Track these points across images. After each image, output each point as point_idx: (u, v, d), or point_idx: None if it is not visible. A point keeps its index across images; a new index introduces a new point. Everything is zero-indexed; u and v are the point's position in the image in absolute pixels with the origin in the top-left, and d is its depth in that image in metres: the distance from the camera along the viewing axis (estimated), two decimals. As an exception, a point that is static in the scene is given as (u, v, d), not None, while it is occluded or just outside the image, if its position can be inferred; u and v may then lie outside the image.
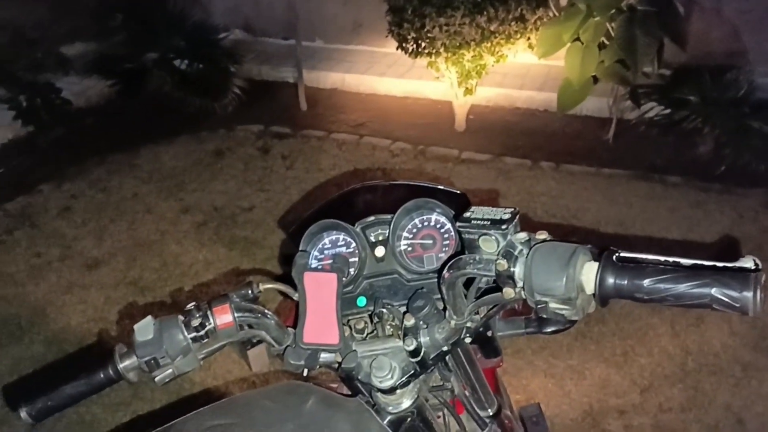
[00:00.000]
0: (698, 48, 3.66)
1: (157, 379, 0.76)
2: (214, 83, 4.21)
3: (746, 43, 3.94)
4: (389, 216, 0.91)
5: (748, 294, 0.57)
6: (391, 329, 0.83)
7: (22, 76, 3.86)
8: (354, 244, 0.92)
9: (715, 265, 0.60)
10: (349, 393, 0.87)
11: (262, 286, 0.82)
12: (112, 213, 3.24)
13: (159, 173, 3.58)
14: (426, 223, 0.91)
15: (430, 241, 0.90)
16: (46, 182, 3.51)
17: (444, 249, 0.90)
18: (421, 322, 0.79)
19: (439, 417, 0.93)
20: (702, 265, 0.61)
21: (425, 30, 3.37)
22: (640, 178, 3.31)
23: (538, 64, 4.12)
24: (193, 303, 0.78)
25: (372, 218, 0.92)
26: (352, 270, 0.90)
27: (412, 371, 0.80)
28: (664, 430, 1.95)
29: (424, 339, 0.79)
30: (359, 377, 0.81)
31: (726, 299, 0.57)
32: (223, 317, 0.77)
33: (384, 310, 0.85)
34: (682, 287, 0.60)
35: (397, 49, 3.62)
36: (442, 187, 0.94)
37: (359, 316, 0.87)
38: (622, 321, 2.36)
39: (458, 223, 0.73)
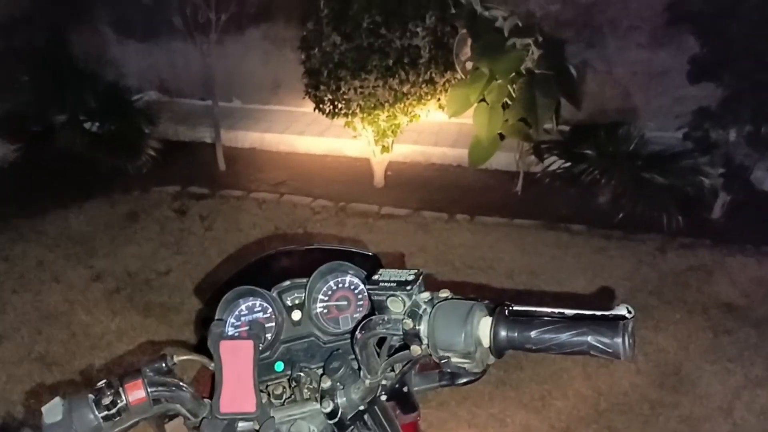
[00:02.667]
0: (593, 106, 4.00)
1: None
2: (128, 144, 4.14)
3: (636, 100, 4.34)
4: (305, 280, 0.94)
5: (618, 340, 0.64)
6: (309, 392, 0.85)
7: None
8: (270, 309, 0.93)
9: (593, 314, 0.67)
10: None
11: (176, 358, 0.82)
12: (15, 284, 3.06)
13: (67, 239, 3.43)
14: (340, 285, 0.94)
15: (345, 302, 0.93)
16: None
17: (358, 309, 0.93)
18: (338, 383, 0.81)
19: None
20: (582, 314, 0.68)
21: (341, 92, 3.49)
22: (547, 228, 3.51)
23: (450, 123, 4.33)
24: (104, 380, 0.77)
25: (288, 282, 0.95)
26: (269, 335, 0.92)
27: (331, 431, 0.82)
28: (583, 472, 2.02)
29: (341, 400, 0.81)
30: None
31: (600, 346, 0.64)
32: (136, 393, 0.76)
33: (301, 374, 0.87)
34: (564, 337, 0.66)
35: (314, 110, 3.71)
36: (354, 250, 0.98)
37: (277, 381, 0.89)
38: (538, 366, 2.45)
39: (367, 286, 0.77)
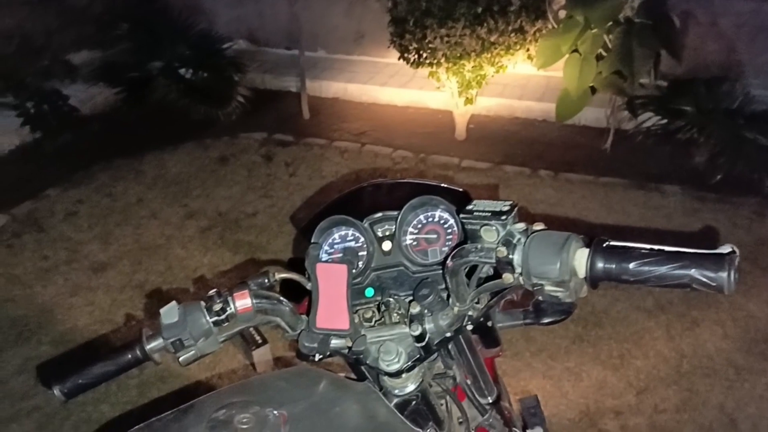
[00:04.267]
0: (694, 60, 3.75)
1: (181, 359, 0.81)
2: (218, 92, 4.28)
3: (741, 55, 4.03)
4: (395, 212, 0.96)
5: (723, 274, 0.63)
6: (398, 317, 0.89)
7: (29, 83, 3.93)
8: (362, 239, 0.97)
9: (694, 251, 0.66)
10: (358, 379, 0.92)
11: (277, 276, 0.88)
12: (117, 218, 3.29)
13: (163, 179, 3.63)
14: (430, 219, 0.96)
15: (434, 236, 0.95)
16: (53, 187, 3.56)
17: (447, 243, 0.95)
18: (426, 310, 0.84)
19: (442, 404, 0.98)
20: (682, 251, 0.67)
21: (426, 41, 3.44)
22: (637, 187, 3.37)
23: (537, 75, 4.20)
24: (215, 289, 0.84)
25: (379, 214, 0.98)
26: (360, 263, 0.96)
27: (417, 356, 0.86)
28: (659, 430, 1.99)
29: (428, 325, 0.84)
30: (368, 362, 0.87)
31: (703, 279, 0.63)
32: (242, 302, 0.82)
33: (391, 300, 0.91)
34: (664, 269, 0.65)
35: (398, 59, 3.69)
36: (445, 185, 1.00)
37: (367, 305, 0.93)
38: (619, 325, 2.41)
39: (461, 215, 0.79)
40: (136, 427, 0.76)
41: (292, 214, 3.23)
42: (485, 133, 4.05)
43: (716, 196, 3.23)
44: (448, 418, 0.97)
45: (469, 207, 0.79)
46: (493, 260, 0.75)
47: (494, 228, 0.75)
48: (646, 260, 0.67)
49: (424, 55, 3.53)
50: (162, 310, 0.81)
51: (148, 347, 0.82)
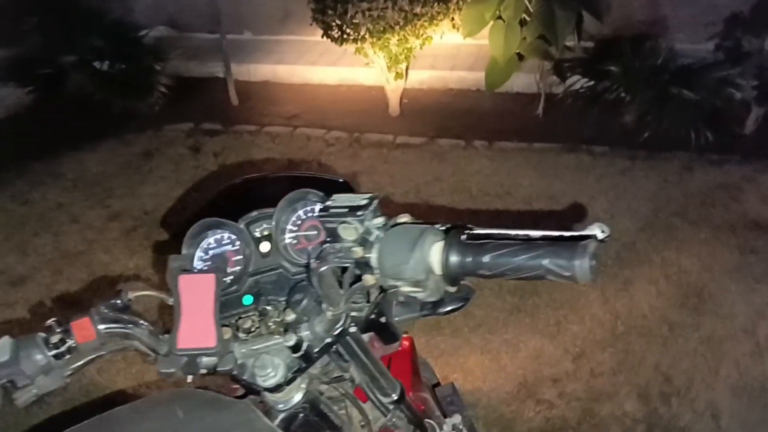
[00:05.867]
0: (619, 19, 3.75)
1: (18, 401, 0.72)
2: (139, 82, 4.07)
3: (665, 10, 4.06)
4: (272, 210, 0.88)
5: (576, 262, 0.58)
6: (274, 326, 0.81)
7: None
8: (239, 241, 0.89)
9: (560, 235, 0.61)
10: (243, 396, 0.85)
11: (131, 294, 0.79)
12: (35, 226, 3.10)
13: (84, 180, 3.44)
14: (309, 215, 0.89)
15: (315, 232, 0.88)
16: (-36, 198, 3.34)
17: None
18: (302, 316, 0.77)
19: (341, 409, 0.92)
20: (548, 236, 0.61)
21: (349, 16, 3.33)
22: (569, 151, 3.38)
23: (467, 44, 4.14)
24: (54, 318, 0.75)
25: (255, 213, 0.90)
26: (237, 268, 0.88)
27: (297, 367, 0.79)
28: (596, 394, 2.00)
29: (305, 333, 0.77)
30: (245, 378, 0.79)
31: (557, 269, 0.59)
32: (83, 331, 0.73)
33: (269, 307, 0.83)
34: (519, 260, 0.60)
35: (322, 36, 3.57)
36: (324, 177, 0.92)
37: (246, 315, 0.85)
38: (555, 292, 2.40)
39: (319, 213, 0.71)
40: None
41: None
42: (419, 107, 3.99)
43: (646, 154, 3.27)
44: (348, 423, 0.91)
45: (328, 203, 0.72)
46: (353, 261, 0.69)
47: (352, 225, 0.68)
48: (501, 251, 0.62)
49: (348, 31, 3.42)
50: None
51: None
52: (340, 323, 0.78)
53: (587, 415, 1.93)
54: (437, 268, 0.64)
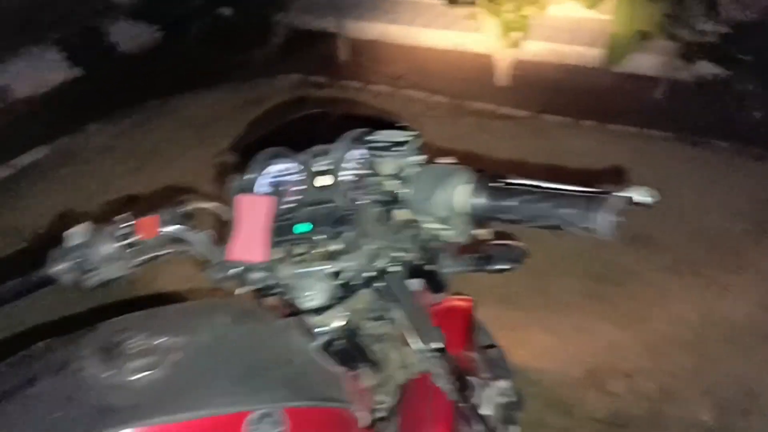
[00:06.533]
0: (759, 3, 3.39)
1: (86, 282, 0.79)
2: (256, 31, 4.24)
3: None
4: (333, 145, 0.90)
5: (597, 215, 0.55)
6: (321, 254, 0.83)
7: (73, 21, 4.00)
8: (300, 173, 0.91)
9: (591, 190, 0.58)
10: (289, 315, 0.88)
11: (194, 204, 0.84)
12: (150, 154, 3.35)
13: (197, 119, 3.66)
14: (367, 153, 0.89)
15: (371, 171, 0.88)
16: (92, 122, 3.65)
17: None
18: (346, 247, 0.79)
19: (382, 348, 0.94)
20: (565, 191, 0.59)
21: (465, -23, 3.26)
22: (685, 142, 3.14)
23: (590, 19, 3.93)
24: (126, 214, 0.81)
25: (320, 147, 0.92)
26: (294, 197, 0.90)
27: (337, 295, 0.81)
28: (669, 395, 1.88)
29: (346, 264, 0.79)
30: (288, 298, 0.82)
31: (576, 221, 0.57)
32: (149, 229, 0.79)
33: (317, 237, 0.85)
34: (540, 206, 0.59)
35: (437, -2, 3.53)
36: (390, 119, 0.92)
37: (297, 241, 0.88)
38: (639, 283, 2.28)
39: (361, 146, 0.72)
40: (41, 343, 0.75)
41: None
42: (528, 80, 3.85)
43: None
44: (387, 362, 0.92)
45: (369, 137, 0.72)
46: (386, 194, 0.69)
47: (390, 160, 0.68)
48: (526, 197, 0.61)
49: (463, -7, 3.35)
50: (67, 232, 0.79)
51: (52, 270, 0.80)
52: (381, 260, 0.78)
53: (655, 415, 1.83)
54: (460, 207, 0.64)
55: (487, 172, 0.65)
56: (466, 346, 1.16)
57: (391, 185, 0.68)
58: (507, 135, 3.35)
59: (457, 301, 1.22)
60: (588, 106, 3.57)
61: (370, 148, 0.71)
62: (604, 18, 3.54)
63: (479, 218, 0.64)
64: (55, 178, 3.23)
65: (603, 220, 0.56)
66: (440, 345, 0.96)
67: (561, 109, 3.56)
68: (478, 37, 3.97)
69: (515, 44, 3.61)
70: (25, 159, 3.37)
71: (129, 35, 4.33)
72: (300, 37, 4.35)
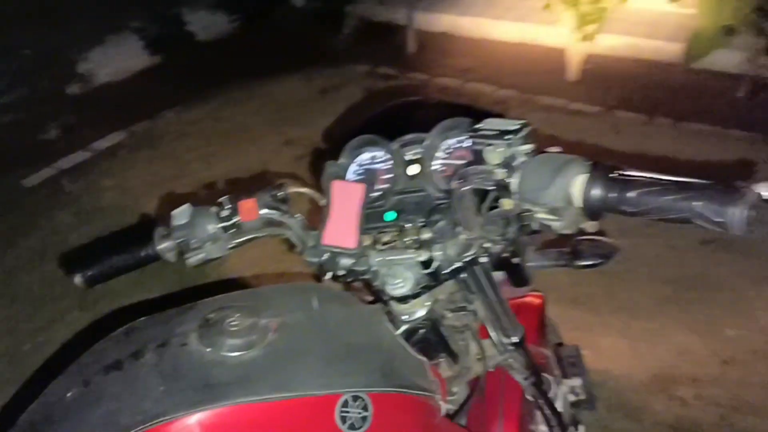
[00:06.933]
0: None
1: (188, 260, 0.83)
2: (329, 22, 4.30)
3: None
4: (426, 134, 0.91)
5: (731, 209, 0.53)
6: (411, 242, 0.85)
7: (153, 10, 4.16)
8: (390, 161, 0.93)
9: (706, 183, 0.56)
10: (373, 302, 0.90)
11: (291, 189, 0.87)
12: (222, 140, 3.46)
13: (268, 107, 3.75)
14: (460, 143, 0.90)
15: (464, 161, 0.89)
16: (169, 109, 3.80)
17: None
18: (436, 236, 0.80)
19: (461, 339, 0.94)
20: (691, 182, 0.57)
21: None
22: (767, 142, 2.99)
23: (670, 13, 3.78)
24: (226, 196, 0.84)
25: (410, 136, 0.93)
26: (385, 185, 0.92)
27: (425, 283, 0.82)
28: (740, 404, 1.81)
29: (437, 253, 0.80)
30: (376, 284, 0.84)
31: (708, 213, 0.54)
32: (249, 211, 0.82)
33: (407, 225, 0.87)
34: (667, 199, 0.57)
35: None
36: (483, 108, 0.92)
37: (387, 229, 0.89)
38: (714, 290, 2.19)
39: (468, 134, 0.72)
40: (142, 318, 0.79)
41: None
42: (602, 75, 3.75)
43: None
44: (465, 353, 0.93)
45: (477, 125, 0.73)
46: (491, 184, 0.69)
47: (498, 148, 0.68)
48: (648, 189, 0.58)
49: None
50: (174, 212, 0.83)
51: (158, 246, 0.85)
52: (472, 250, 0.79)
53: (724, 424, 1.76)
54: (578, 199, 0.63)
55: (603, 163, 0.64)
56: (539, 342, 1.15)
57: (499, 173, 0.68)
58: (578, 131, 3.27)
59: (530, 297, 1.21)
60: (664, 104, 3.45)
61: (478, 137, 0.71)
62: (686, 12, 3.40)
63: (595, 210, 0.63)
64: (130, 161, 3.38)
65: (739, 216, 0.54)
66: (520, 338, 0.96)
67: (636, 105, 3.46)
68: (551, 30, 3.89)
69: (590, 37, 3.52)
70: (103, 143, 3.54)
71: (207, 24, 4.47)
72: (370, 28, 4.38)
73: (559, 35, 3.76)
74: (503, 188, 0.68)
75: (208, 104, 3.82)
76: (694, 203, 0.56)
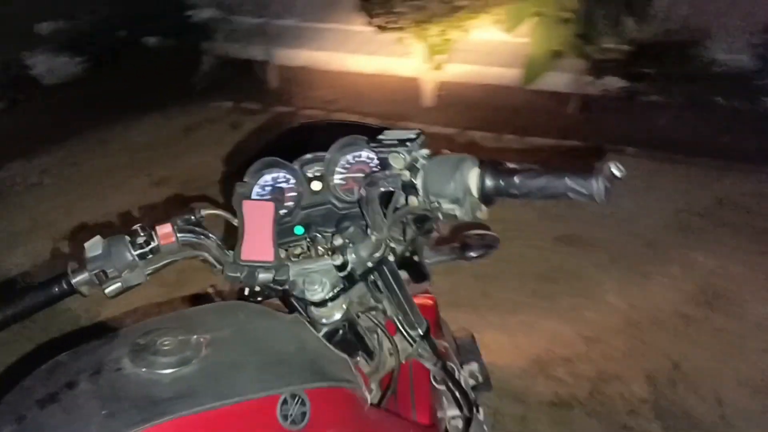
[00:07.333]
0: (662, 24, 3.78)
1: (106, 291, 0.83)
2: (185, 60, 4.25)
3: (706, 18, 4.06)
4: (325, 153, 1.00)
5: (593, 182, 0.67)
6: (323, 251, 0.93)
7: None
8: (293, 180, 1.00)
9: (575, 166, 0.71)
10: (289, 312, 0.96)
11: (204, 212, 0.90)
12: (83, 186, 3.28)
13: (129, 149, 3.62)
14: (357, 158, 1.00)
15: (362, 175, 0.99)
16: (17, 158, 3.53)
17: None
18: (347, 241, 0.88)
19: (373, 337, 1.03)
20: (566, 166, 0.71)
21: (392, 4, 3.45)
22: (597, 150, 3.43)
23: (506, 42, 4.21)
24: (139, 224, 0.86)
25: (309, 156, 1.01)
26: (291, 203, 0.99)
27: (341, 286, 0.90)
28: (606, 375, 2.07)
29: (350, 256, 0.88)
30: (294, 293, 0.91)
31: (576, 187, 0.68)
32: (166, 235, 0.85)
33: (318, 235, 0.94)
34: (543, 180, 0.70)
35: (367, 23, 3.69)
36: (371, 125, 1.03)
37: (297, 242, 0.96)
38: (573, 280, 2.48)
39: (371, 144, 0.82)
40: (65, 353, 0.78)
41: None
42: (454, 100, 4.08)
43: (678, 157, 3.30)
44: (379, 350, 1.01)
45: (380, 137, 0.83)
46: (399, 185, 0.79)
47: (401, 154, 0.79)
48: (528, 173, 0.72)
49: (391, 19, 3.53)
50: (86, 244, 0.83)
51: (74, 280, 0.84)
52: (381, 250, 0.89)
53: (595, 393, 2.00)
54: (474, 189, 0.75)
55: (489, 159, 0.76)
56: (438, 336, 1.27)
57: (405, 174, 0.78)
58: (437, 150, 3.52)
59: (423, 299, 1.33)
60: (509, 122, 3.83)
61: (381, 146, 0.81)
62: (521, 41, 3.83)
63: (489, 196, 0.75)
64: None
65: (601, 187, 0.68)
66: (425, 330, 1.07)
67: (485, 125, 3.80)
68: (403, 62, 4.18)
69: (440, 67, 3.83)
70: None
71: (52, 67, 4.23)
72: (229, 65, 4.41)
73: (412, 66, 4.05)
74: (410, 188, 0.78)
75: (62, 150, 3.60)
76: (565, 181, 0.69)
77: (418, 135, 0.83)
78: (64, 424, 0.63)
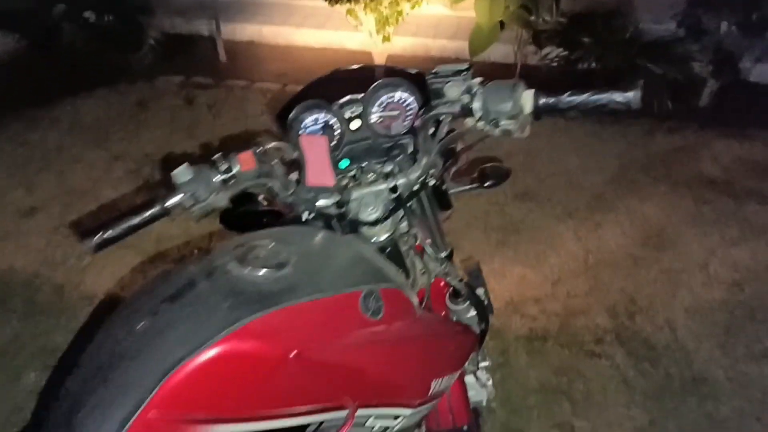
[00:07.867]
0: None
1: (195, 213, 0.91)
2: (128, 36, 4.15)
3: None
4: (360, 95, 1.11)
5: (631, 93, 0.83)
6: (374, 176, 1.05)
7: None
8: (333, 120, 1.11)
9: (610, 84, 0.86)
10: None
11: (268, 145, 1.00)
12: (38, 165, 3.20)
13: (80, 126, 3.54)
14: (391, 99, 1.11)
15: (396, 113, 1.11)
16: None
17: (407, 119, 1.11)
18: (397, 167, 1.01)
19: (410, 258, 1.16)
20: (603, 85, 0.87)
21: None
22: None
23: (449, 16, 4.38)
24: (221, 153, 0.94)
25: (347, 98, 1.12)
26: (334, 140, 1.10)
27: (391, 207, 1.02)
28: (572, 311, 2.30)
29: (400, 180, 1.01)
30: (350, 216, 1.02)
31: (616, 98, 0.84)
32: (247, 161, 0.93)
33: (363, 165, 1.06)
34: (587, 95, 0.85)
35: (315, -4, 3.74)
36: (403, 69, 1.15)
37: (344, 174, 1.08)
38: (534, 231, 2.70)
39: (428, 76, 0.95)
40: (166, 268, 0.87)
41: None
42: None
43: (612, 119, 3.58)
44: (413, 269, 1.15)
45: (435, 70, 0.95)
46: (458, 109, 0.92)
47: (457, 83, 0.92)
48: (574, 91, 0.87)
49: (341, -9, 3.60)
50: (173, 172, 0.91)
51: (167, 203, 0.91)
52: (425, 175, 1.01)
53: (564, 327, 2.22)
54: (528, 107, 0.89)
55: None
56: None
57: (464, 99, 0.91)
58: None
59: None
60: (457, 92, 4.00)
61: (437, 77, 0.93)
62: (465, 15, 3.99)
63: (541, 112, 0.89)
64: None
65: (637, 95, 0.83)
66: (450, 251, 1.21)
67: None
68: (350, 35, 4.26)
69: (388, 38, 3.94)
70: None
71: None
72: (173, 41, 4.32)
73: (358, 40, 4.13)
74: (468, 110, 0.91)
75: (9, 130, 3.47)
76: (605, 95, 0.85)
77: (470, 67, 0.96)
78: (194, 315, 0.73)
